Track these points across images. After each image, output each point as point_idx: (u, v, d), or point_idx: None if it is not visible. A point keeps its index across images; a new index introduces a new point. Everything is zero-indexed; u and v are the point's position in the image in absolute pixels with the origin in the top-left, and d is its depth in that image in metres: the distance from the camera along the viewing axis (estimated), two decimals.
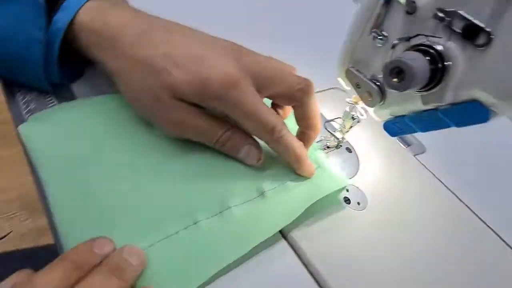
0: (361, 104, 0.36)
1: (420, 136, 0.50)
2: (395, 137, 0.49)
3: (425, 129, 0.28)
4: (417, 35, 0.24)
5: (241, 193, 0.28)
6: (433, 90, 0.24)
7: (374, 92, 0.29)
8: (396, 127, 0.30)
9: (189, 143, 0.30)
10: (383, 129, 0.31)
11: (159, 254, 0.23)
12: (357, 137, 0.45)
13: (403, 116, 0.29)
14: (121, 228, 0.24)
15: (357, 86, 0.31)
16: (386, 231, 0.35)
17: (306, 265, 0.30)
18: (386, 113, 0.31)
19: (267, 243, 0.27)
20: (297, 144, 0.30)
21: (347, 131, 0.41)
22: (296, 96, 0.30)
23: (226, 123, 0.29)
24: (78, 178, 0.29)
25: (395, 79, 0.23)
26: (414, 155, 0.46)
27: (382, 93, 0.29)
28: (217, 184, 0.28)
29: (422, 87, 0.24)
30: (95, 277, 0.20)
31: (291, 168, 0.31)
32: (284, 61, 0.33)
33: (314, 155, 0.38)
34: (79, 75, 0.38)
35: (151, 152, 0.30)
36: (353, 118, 0.38)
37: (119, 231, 0.24)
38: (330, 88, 0.52)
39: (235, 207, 0.26)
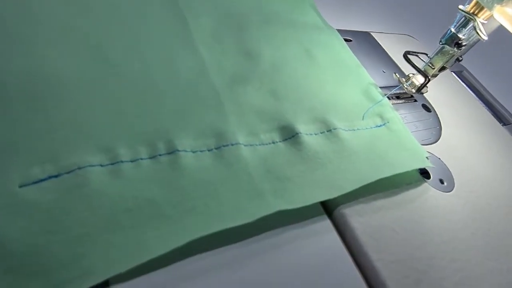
0: (483, 15, 0.22)
1: None
2: (488, 111, 0.35)
3: None
4: None
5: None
6: None
7: None
8: None
9: None
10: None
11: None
12: (438, 94, 0.31)
13: None
14: None
15: None
16: (473, 225, 0.22)
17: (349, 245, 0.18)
18: None
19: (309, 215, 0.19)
20: None
21: (435, 74, 0.27)
22: None
23: None
24: None
25: None
26: None
27: None
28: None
29: None
30: None
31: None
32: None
33: (379, 106, 0.25)
34: None
35: None
36: (458, 46, 0.24)
37: None
38: (403, 34, 0.39)
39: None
